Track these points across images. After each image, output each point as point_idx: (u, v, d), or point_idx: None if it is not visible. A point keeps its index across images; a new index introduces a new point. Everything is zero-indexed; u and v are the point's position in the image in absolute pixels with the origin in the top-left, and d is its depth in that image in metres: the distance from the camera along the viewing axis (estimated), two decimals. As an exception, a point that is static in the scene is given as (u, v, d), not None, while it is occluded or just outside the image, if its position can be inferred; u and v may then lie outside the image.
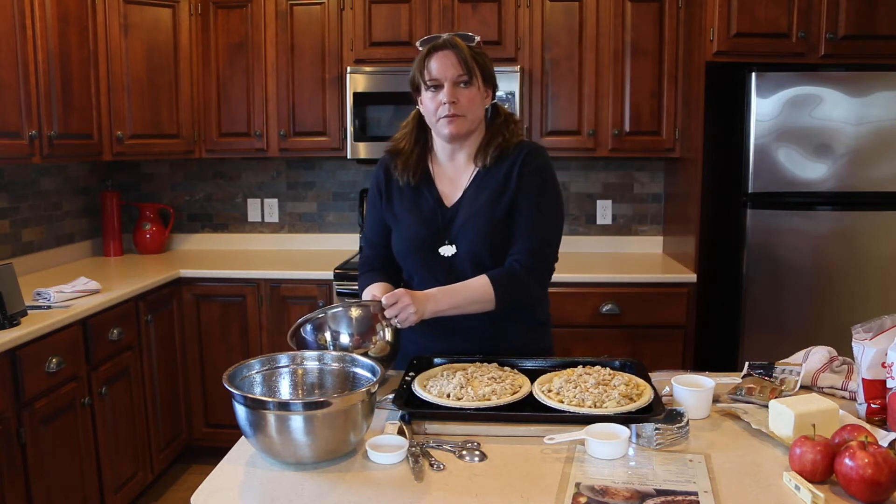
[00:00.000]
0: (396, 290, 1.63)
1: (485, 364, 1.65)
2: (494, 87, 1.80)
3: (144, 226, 3.80)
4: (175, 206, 3.98)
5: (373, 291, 1.76)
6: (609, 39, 3.37)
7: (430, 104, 1.73)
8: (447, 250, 1.77)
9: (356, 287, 3.20)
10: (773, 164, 3.00)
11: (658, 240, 3.82)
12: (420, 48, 1.76)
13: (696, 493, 1.15)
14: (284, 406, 1.24)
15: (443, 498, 1.16)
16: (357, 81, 3.38)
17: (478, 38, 1.77)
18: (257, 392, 1.42)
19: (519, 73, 3.32)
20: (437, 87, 1.71)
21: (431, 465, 1.26)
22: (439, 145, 1.83)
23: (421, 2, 3.40)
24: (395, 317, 1.61)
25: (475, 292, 1.69)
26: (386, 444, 1.31)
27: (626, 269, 3.32)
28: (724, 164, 3.28)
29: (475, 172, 1.80)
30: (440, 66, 1.70)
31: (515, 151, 1.78)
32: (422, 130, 1.85)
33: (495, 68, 1.82)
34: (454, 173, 1.83)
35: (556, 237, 1.80)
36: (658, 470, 1.24)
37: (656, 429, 1.33)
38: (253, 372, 1.44)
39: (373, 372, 1.41)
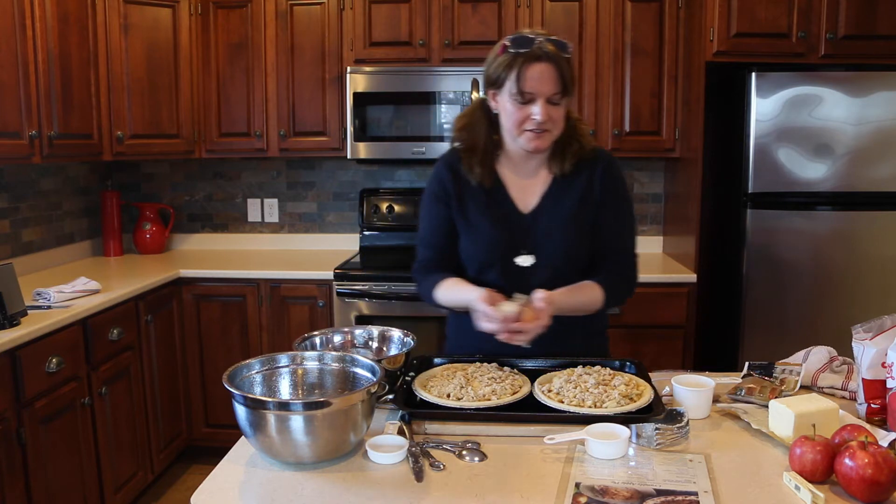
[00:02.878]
0: (543, 299, 1.53)
1: (485, 364, 1.64)
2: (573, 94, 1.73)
3: (144, 226, 3.80)
4: (175, 206, 3.98)
5: (472, 292, 1.61)
6: (609, 39, 3.37)
7: (516, 113, 1.62)
8: (525, 260, 1.70)
9: (356, 287, 3.24)
10: (773, 164, 3.00)
11: (658, 240, 3.82)
12: (510, 48, 1.60)
13: (696, 493, 1.15)
14: (284, 406, 1.24)
15: (443, 498, 1.16)
16: (357, 81, 3.38)
17: (571, 46, 1.64)
18: (257, 392, 1.42)
19: (519, 73, 3.32)
20: (530, 100, 1.60)
21: (431, 465, 1.26)
22: (513, 150, 1.73)
23: (421, 2, 3.40)
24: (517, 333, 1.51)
25: (589, 297, 1.67)
26: (386, 444, 1.31)
27: (626, 269, 3.31)
28: (724, 164, 3.28)
29: (552, 179, 1.74)
30: (538, 79, 1.57)
31: (592, 159, 1.73)
32: (492, 126, 1.72)
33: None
34: (527, 178, 1.75)
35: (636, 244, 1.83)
36: (658, 470, 1.24)
37: (656, 429, 1.33)
38: (253, 372, 1.43)
39: (373, 372, 1.41)
